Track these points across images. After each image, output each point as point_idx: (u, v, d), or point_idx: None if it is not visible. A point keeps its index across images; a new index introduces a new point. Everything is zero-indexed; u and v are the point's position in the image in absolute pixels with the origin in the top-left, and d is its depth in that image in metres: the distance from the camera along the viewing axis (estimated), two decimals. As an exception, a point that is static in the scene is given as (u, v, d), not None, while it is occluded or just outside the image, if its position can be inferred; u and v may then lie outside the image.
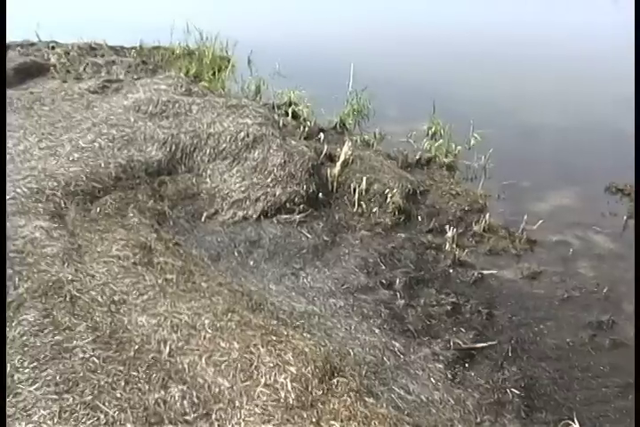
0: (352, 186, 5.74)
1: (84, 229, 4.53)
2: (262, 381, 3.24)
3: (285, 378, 3.26)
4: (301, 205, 5.46)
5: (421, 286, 4.71)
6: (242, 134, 5.92)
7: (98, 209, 4.85)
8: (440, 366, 3.89)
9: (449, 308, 4.46)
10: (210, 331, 3.56)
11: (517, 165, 6.90)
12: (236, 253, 4.86)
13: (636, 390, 3.66)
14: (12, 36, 10.39)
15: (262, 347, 3.47)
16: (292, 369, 3.33)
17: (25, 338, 3.29)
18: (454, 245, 5.19)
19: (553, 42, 12.36)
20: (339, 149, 6.21)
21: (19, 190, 4.72)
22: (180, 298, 3.83)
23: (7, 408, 2.86)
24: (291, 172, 5.64)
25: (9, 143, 5.57)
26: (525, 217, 5.58)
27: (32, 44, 10.18)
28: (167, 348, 3.39)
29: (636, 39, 9.00)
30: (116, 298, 3.73)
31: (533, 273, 5.02)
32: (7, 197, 4.59)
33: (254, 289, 4.34)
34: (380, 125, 7.61)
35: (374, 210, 5.57)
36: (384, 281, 4.68)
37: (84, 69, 8.69)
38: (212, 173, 5.66)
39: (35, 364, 3.14)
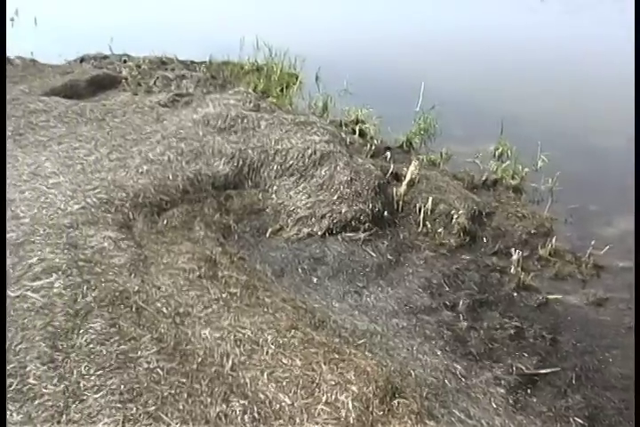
0: (417, 206, 5.73)
1: (151, 240, 4.63)
2: (323, 399, 3.26)
3: (347, 397, 3.27)
4: (366, 224, 5.47)
5: (485, 309, 4.67)
6: (309, 151, 5.98)
7: (165, 221, 4.97)
8: (502, 390, 3.84)
9: (512, 332, 4.41)
10: (272, 347, 3.59)
11: (585, 189, 6.79)
12: (299, 270, 4.90)
13: (636, 389, 3.65)
14: (86, 49, 10.75)
15: (324, 365, 3.49)
16: (354, 388, 3.34)
17: (91, 346, 3.37)
18: (519, 269, 5.13)
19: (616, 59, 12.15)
20: (405, 168, 6.22)
21: (89, 200, 4.85)
22: (243, 313, 3.88)
23: (72, 414, 2.94)
24: (357, 190, 5.67)
25: (81, 153, 5.75)
26: (592, 242, 5.48)
27: (105, 57, 10.48)
28: (230, 362, 3.44)
29: (636, 39, 8.92)
30: (180, 310, 3.79)
31: (599, 299, 4.92)
32: (78, 207, 4.74)
33: (317, 306, 4.37)
34: (447, 145, 7.58)
35: (439, 230, 5.55)
36: (447, 302, 4.66)
37: (155, 83, 8.90)
38: (278, 189, 5.73)
39: (100, 372, 3.21)
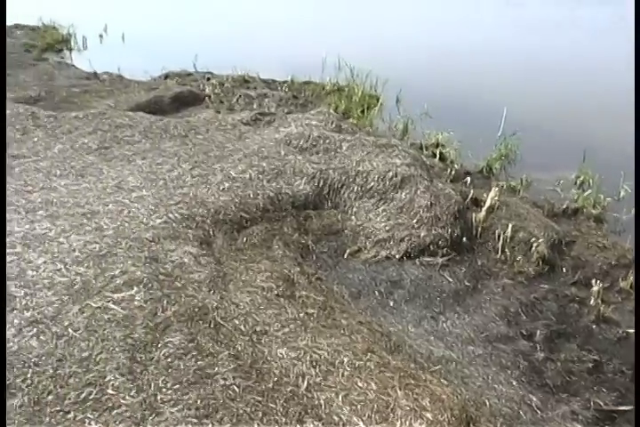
0: (497, 232, 5.68)
1: (230, 257, 4.70)
2: (397, 424, 3.24)
3: (421, 424, 3.26)
4: (445, 249, 5.45)
5: (562, 340, 4.59)
6: (390, 174, 5.99)
7: (244, 239, 5.04)
8: (579, 426, 3.77)
9: (590, 365, 4.33)
10: (348, 369, 3.60)
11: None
12: (376, 293, 4.91)
13: (636, 389, 3.67)
14: (170, 66, 11.03)
15: (400, 390, 3.49)
16: (429, 415, 3.32)
17: (169, 360, 3.43)
18: (599, 301, 5.03)
19: None
20: (485, 194, 6.19)
21: (171, 215, 4.96)
22: (320, 333, 3.91)
23: (149, 426, 3.00)
24: (437, 214, 5.66)
25: (164, 168, 5.89)
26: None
27: (189, 75, 10.75)
28: (305, 382, 3.46)
29: (636, 40, 8.70)
30: (258, 328, 3.84)
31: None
32: (160, 221, 4.85)
33: (393, 330, 4.37)
34: (527, 172, 7.50)
35: (518, 258, 5.50)
36: (524, 332, 4.61)
37: (237, 101, 9.08)
38: (357, 211, 5.76)
39: (177, 386, 3.27)
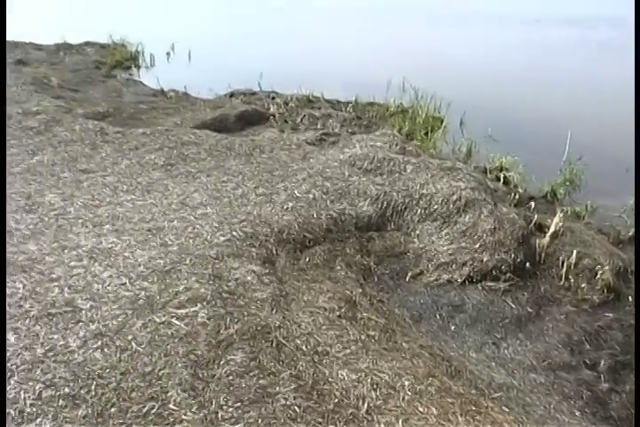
0: (561, 259, 5.60)
1: (293, 277, 4.73)
2: (459, 451, 3.23)
3: (482, 452, 3.24)
4: (507, 274, 5.40)
5: (627, 371, 4.49)
6: (454, 197, 5.97)
7: (307, 259, 5.06)
8: (643, 461, 3.70)
9: (657, 399, 4.24)
10: (409, 393, 3.58)
11: None
12: (437, 316, 4.88)
13: (636, 388, 3.66)
14: (236, 85, 11.19)
15: (461, 416, 3.45)
16: (490, 443, 3.30)
17: (231, 378, 3.45)
18: (666, 331, 4.94)
19: None
20: (549, 220, 6.12)
21: (234, 233, 5.01)
22: (381, 356, 3.90)
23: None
24: (500, 239, 5.61)
25: (228, 186, 5.97)
26: None
27: (254, 93, 10.89)
28: (366, 405, 3.45)
29: (636, 40, 8.47)
30: (319, 349, 3.84)
31: None
32: (224, 239, 4.91)
33: (454, 355, 4.34)
34: (592, 197, 7.40)
35: (582, 285, 5.41)
36: (588, 361, 4.52)
37: (301, 121, 9.16)
38: (420, 234, 5.75)
39: (238, 404, 3.29)
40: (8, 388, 3.29)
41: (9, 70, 11.52)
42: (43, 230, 5.05)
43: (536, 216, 6.28)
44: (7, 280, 4.25)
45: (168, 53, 15.15)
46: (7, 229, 5.03)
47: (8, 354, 3.54)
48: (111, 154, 6.90)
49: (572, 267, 5.54)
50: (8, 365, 3.46)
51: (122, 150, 7.02)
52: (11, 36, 15.60)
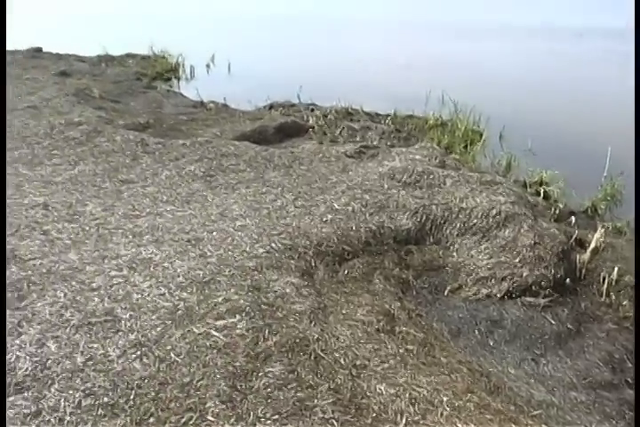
0: (602, 275, 5.53)
1: (331, 289, 4.72)
2: (498, 469, 3.19)
3: (522, 470, 3.20)
4: (547, 290, 5.33)
5: (672, 392, 4.44)
6: (494, 211, 5.93)
7: (345, 271, 5.05)
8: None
9: (703, 421, 4.16)
10: (448, 409, 3.55)
11: None
12: (476, 331, 4.84)
13: (636, 387, 3.62)
14: (275, 97, 11.26)
15: (500, 433, 3.43)
16: (530, 462, 3.26)
17: (269, 390, 3.44)
18: None
19: None
20: (589, 235, 6.05)
21: (273, 245, 5.02)
22: (419, 371, 3.87)
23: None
24: (540, 254, 5.55)
25: (267, 198, 5.99)
26: None
27: (293, 106, 10.94)
28: (404, 420, 3.42)
29: (636, 40, 8.30)
30: (357, 362, 3.82)
31: None
32: (263, 251, 4.92)
33: (493, 371, 4.29)
34: (633, 213, 7.32)
35: (624, 303, 5.32)
36: (630, 380, 4.43)
37: (340, 133, 9.18)
38: (459, 248, 5.71)
39: (276, 417, 3.28)
40: (48, 395, 3.32)
41: (52, 81, 11.71)
42: (84, 240, 5.10)
43: (576, 231, 6.21)
44: (48, 289, 4.30)
45: (208, 65, 15.31)
46: (50, 238, 5.10)
47: (49, 362, 3.57)
48: (151, 165, 6.97)
49: (614, 283, 5.47)
50: (48, 372, 3.49)
51: (162, 161, 7.09)
52: (55, 48, 15.93)
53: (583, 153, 9.13)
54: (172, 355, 3.66)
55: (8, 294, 4.23)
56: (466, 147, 9.15)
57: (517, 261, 5.51)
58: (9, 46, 15.57)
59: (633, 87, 7.90)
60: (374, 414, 3.43)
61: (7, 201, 5.79)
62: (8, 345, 3.71)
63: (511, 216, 5.94)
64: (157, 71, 14.02)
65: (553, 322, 5.03)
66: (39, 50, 16.12)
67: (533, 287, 5.34)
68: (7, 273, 4.50)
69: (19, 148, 7.48)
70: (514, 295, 5.29)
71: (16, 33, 19.04)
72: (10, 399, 3.29)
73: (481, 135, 9.70)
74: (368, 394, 3.58)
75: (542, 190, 7.64)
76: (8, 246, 4.90)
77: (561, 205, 7.27)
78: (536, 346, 4.76)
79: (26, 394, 3.34)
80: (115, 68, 14.23)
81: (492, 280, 5.36)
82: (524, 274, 5.38)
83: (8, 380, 3.43)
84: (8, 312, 4.04)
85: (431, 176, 6.56)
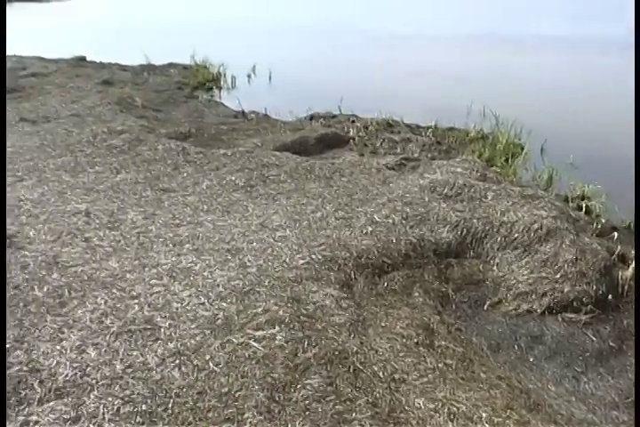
0: (645, 292, 5.48)
1: (370, 302, 4.71)
2: (538, 489, 3.16)
3: (563, 490, 3.16)
4: (589, 306, 5.27)
5: None
6: (535, 226, 5.88)
7: (385, 284, 5.04)
8: None
9: None
10: (487, 425, 3.52)
11: None
12: (515, 347, 4.79)
13: (635, 387, 3.67)
14: (316, 108, 11.30)
15: (541, 452, 3.40)
16: (572, 482, 3.22)
17: (307, 402, 3.45)
18: None
19: None
20: (632, 251, 5.98)
21: (313, 257, 5.03)
22: (459, 386, 3.85)
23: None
24: (582, 270, 5.49)
25: (308, 209, 6.01)
26: None
27: (333, 117, 10.96)
28: (442, 435, 3.42)
29: (636, 40, 8.11)
30: (396, 376, 3.81)
31: None
32: (302, 262, 4.94)
33: (532, 387, 4.25)
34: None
35: (669, 322, 5.27)
36: (674, 401, 4.40)
37: (381, 144, 9.18)
38: (500, 262, 5.67)
39: (314, 429, 3.30)
40: (88, 402, 3.36)
41: (95, 90, 11.88)
42: (124, 248, 5.16)
43: (619, 247, 6.13)
44: (89, 296, 4.36)
45: (249, 75, 15.40)
46: (91, 245, 5.16)
47: (88, 369, 3.62)
48: (192, 174, 7.03)
49: (657, 301, 5.40)
50: (88, 379, 3.53)
51: (203, 171, 7.15)
52: (98, 57, 16.15)
53: (626, 167, 9.01)
54: (211, 364, 3.69)
55: (50, 300, 4.30)
56: (507, 160, 9.08)
57: (559, 276, 5.46)
58: (53, 55, 15.88)
59: (633, 87, 7.85)
60: (412, 429, 3.43)
61: (49, 208, 5.88)
62: (49, 351, 3.77)
63: (553, 231, 5.88)
64: (199, 81, 14.14)
65: (594, 339, 4.98)
66: (83, 59, 16.35)
67: (575, 303, 5.28)
68: (49, 279, 4.58)
69: (62, 155, 7.60)
70: (555, 311, 5.24)
71: (60, 42, 19.38)
72: (50, 404, 3.35)
73: (522, 148, 9.63)
74: (406, 408, 3.57)
75: (584, 205, 7.55)
76: (50, 253, 4.97)
77: (603, 221, 7.18)
78: (577, 363, 4.70)
79: (66, 400, 3.38)
80: (157, 78, 14.38)
81: (533, 295, 5.31)
82: (566, 290, 5.33)
83: (48, 385, 3.49)
84: (49, 318, 4.11)
85: (472, 189, 6.53)
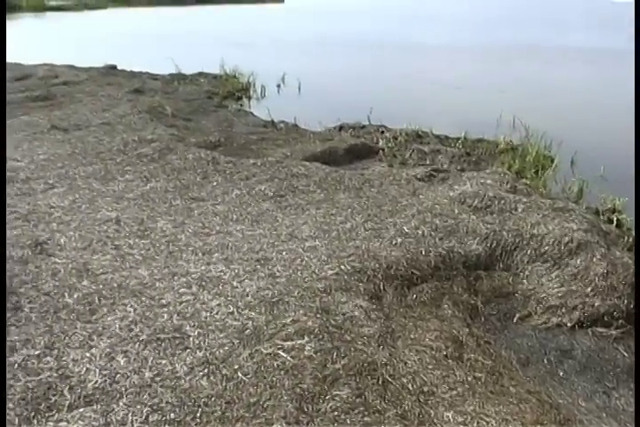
0: (676, 308, 5.42)
1: (400, 313, 4.70)
2: None
3: None
4: (620, 320, 5.22)
5: None
6: (566, 239, 5.85)
7: (414, 296, 5.03)
8: None
9: None
10: (517, 440, 3.52)
11: None
12: (545, 361, 4.75)
13: (635, 388, 3.64)
14: (345, 118, 11.33)
15: (570, 468, 3.37)
16: None
17: (336, 413, 3.44)
18: None
19: None
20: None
21: (342, 267, 5.03)
22: (488, 399, 3.82)
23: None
24: (613, 284, 5.44)
25: (337, 220, 6.02)
26: None
27: (363, 127, 10.98)
28: (472, 450, 3.40)
29: (635, 40, 7.99)
30: (425, 389, 3.80)
31: None
32: (332, 272, 4.93)
33: (562, 402, 4.21)
34: None
35: (701, 336, 5.21)
36: None
37: (410, 155, 9.17)
38: (529, 275, 5.64)
39: (343, 441, 3.29)
40: (117, 409, 3.37)
41: (125, 99, 11.98)
42: (154, 256, 5.20)
43: (649, 262, 6.10)
44: (119, 304, 4.40)
45: (279, 85, 15.49)
46: (121, 253, 5.20)
47: (117, 376, 3.64)
48: (222, 183, 7.07)
49: (689, 316, 5.35)
50: (117, 386, 3.56)
51: (232, 180, 7.18)
52: (129, 65, 16.33)
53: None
54: (240, 374, 3.70)
55: (80, 307, 4.34)
56: (537, 172, 9.04)
57: (589, 290, 5.41)
58: (85, 63, 16.07)
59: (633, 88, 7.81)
60: (442, 443, 3.41)
61: (80, 215, 5.94)
62: (79, 357, 3.80)
63: (583, 244, 5.84)
64: (228, 90, 14.23)
65: (625, 354, 4.93)
66: (114, 67, 16.55)
67: (605, 318, 5.23)
68: (79, 286, 4.62)
69: (92, 163, 7.67)
70: (585, 325, 5.20)
71: (92, 51, 19.60)
72: (79, 411, 3.36)
73: (552, 160, 9.58)
74: (435, 421, 3.55)
75: (615, 218, 7.49)
76: (81, 260, 5.02)
77: (634, 234, 7.13)
78: (608, 378, 4.65)
79: (95, 407, 3.40)
80: (187, 87, 14.50)
81: (563, 309, 5.28)
82: (596, 304, 5.29)
83: (78, 392, 3.51)
84: (79, 325, 4.14)
85: (502, 201, 6.50)
